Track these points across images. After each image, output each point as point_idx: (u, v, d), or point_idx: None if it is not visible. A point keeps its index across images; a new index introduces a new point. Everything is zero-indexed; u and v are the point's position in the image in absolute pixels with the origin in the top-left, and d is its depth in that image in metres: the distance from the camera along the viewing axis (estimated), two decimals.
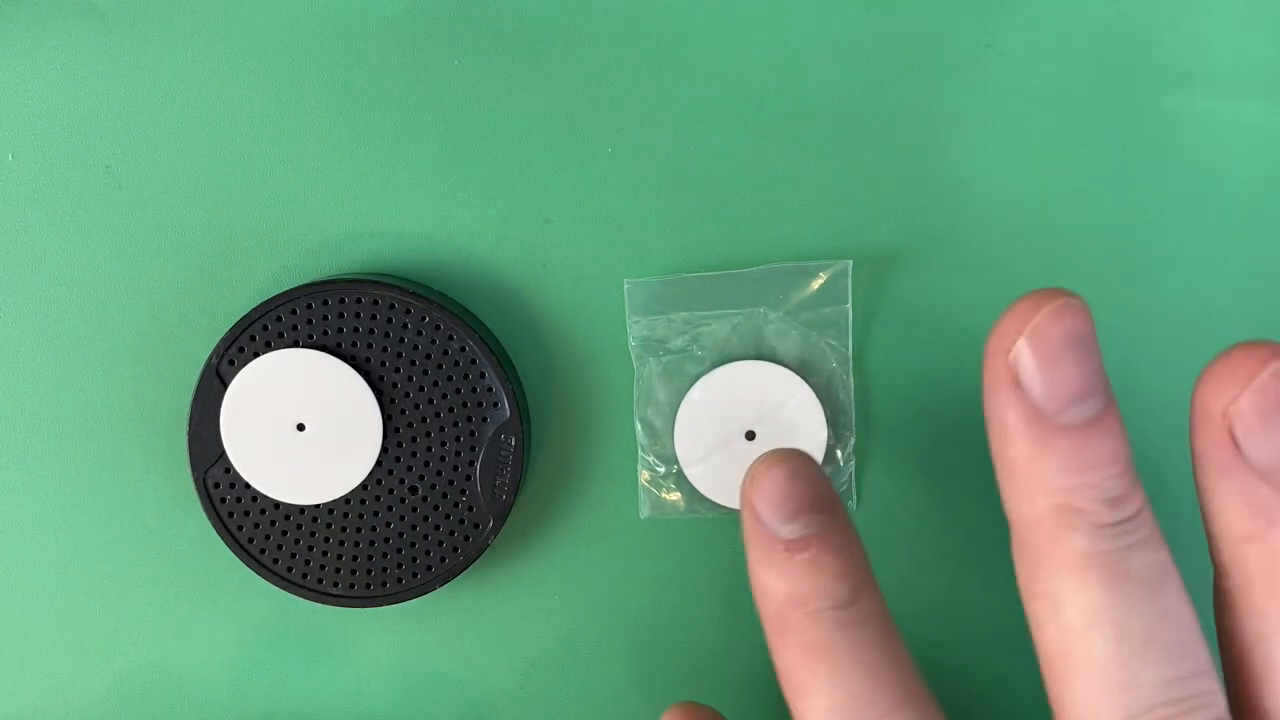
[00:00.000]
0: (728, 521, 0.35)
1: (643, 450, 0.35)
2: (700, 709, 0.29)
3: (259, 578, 0.34)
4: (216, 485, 0.34)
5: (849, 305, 0.34)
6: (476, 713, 0.36)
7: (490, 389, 0.33)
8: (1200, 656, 0.23)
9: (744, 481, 0.26)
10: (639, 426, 0.35)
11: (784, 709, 0.36)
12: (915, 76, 0.34)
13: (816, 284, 0.34)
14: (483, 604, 0.36)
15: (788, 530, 0.25)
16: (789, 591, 0.25)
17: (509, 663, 0.36)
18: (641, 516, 0.35)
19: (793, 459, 0.26)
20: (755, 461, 0.26)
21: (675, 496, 0.35)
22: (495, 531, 0.34)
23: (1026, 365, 0.22)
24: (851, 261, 0.34)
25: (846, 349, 0.35)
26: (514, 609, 0.36)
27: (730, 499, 0.35)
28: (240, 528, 0.34)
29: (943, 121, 0.34)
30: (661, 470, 0.35)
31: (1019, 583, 0.24)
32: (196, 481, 0.33)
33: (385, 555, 0.34)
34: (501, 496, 0.34)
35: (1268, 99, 0.34)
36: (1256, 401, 0.22)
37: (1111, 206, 0.35)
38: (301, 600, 0.35)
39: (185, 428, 0.33)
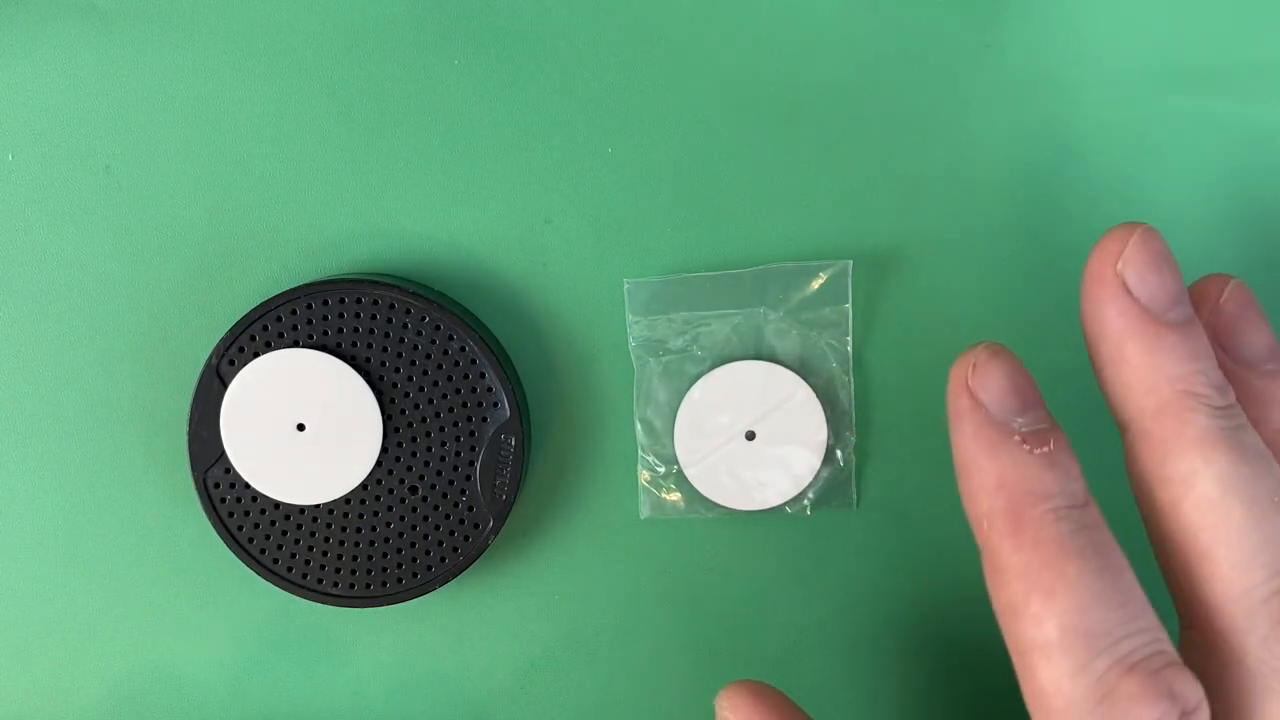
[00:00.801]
0: (728, 521, 0.35)
1: (643, 450, 0.35)
2: (761, 687, 0.28)
3: (259, 578, 0.34)
4: (216, 485, 0.34)
5: (849, 305, 0.34)
6: (476, 713, 0.36)
7: (490, 389, 0.33)
8: None
9: (959, 368, 0.26)
10: (639, 426, 0.35)
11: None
12: (915, 76, 0.34)
13: (816, 284, 0.34)
14: (483, 604, 0.36)
15: (1023, 422, 0.25)
16: (1028, 486, 0.24)
17: (509, 663, 0.36)
18: (641, 516, 0.35)
19: (1009, 354, 0.26)
20: (970, 351, 0.26)
21: (675, 496, 0.35)
22: (495, 531, 0.34)
23: (1135, 272, 0.25)
24: (851, 261, 0.34)
25: (846, 349, 0.35)
26: (514, 609, 0.36)
27: (730, 499, 0.35)
28: (240, 528, 0.34)
29: (943, 121, 0.34)
30: (661, 470, 0.35)
31: (1139, 478, 0.25)
32: (196, 481, 0.33)
33: (385, 555, 0.34)
34: (501, 496, 0.34)
35: (1268, 99, 0.34)
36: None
37: (1111, 207, 0.35)
38: (301, 600, 0.35)
39: (185, 428, 0.33)
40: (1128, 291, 0.25)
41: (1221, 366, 0.26)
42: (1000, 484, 0.24)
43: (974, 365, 0.25)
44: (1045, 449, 0.25)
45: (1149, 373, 0.25)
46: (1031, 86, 0.34)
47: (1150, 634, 0.24)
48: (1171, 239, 0.35)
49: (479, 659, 0.36)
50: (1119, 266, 0.25)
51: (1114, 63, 0.34)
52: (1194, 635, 0.25)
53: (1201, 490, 0.24)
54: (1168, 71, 0.34)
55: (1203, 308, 0.27)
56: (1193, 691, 0.23)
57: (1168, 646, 0.24)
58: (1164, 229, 0.35)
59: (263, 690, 0.36)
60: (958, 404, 0.25)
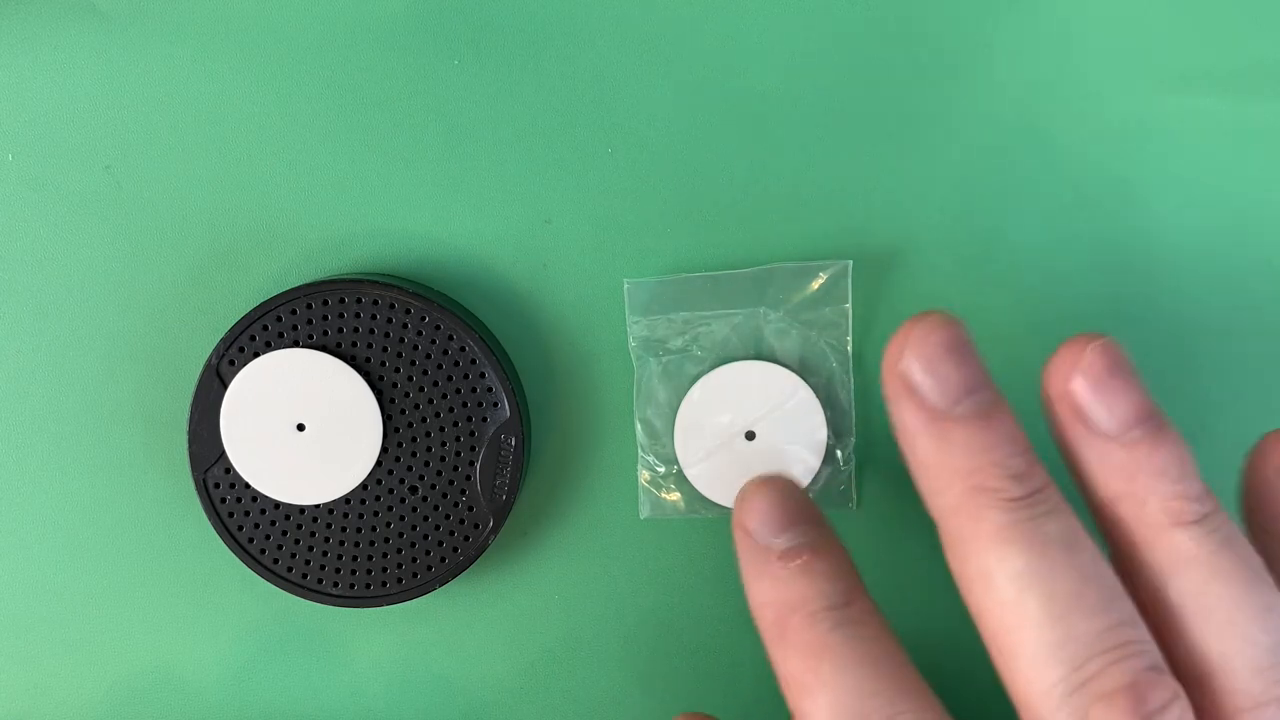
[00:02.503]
0: (728, 521, 0.35)
1: (643, 450, 0.35)
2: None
3: (259, 578, 0.34)
4: (216, 485, 0.34)
5: (849, 305, 0.34)
6: (476, 713, 0.36)
7: (490, 389, 0.33)
8: (1126, 608, 0.24)
9: (735, 506, 0.27)
10: (639, 426, 0.35)
11: (783, 708, 0.36)
12: (915, 76, 0.34)
13: (816, 284, 0.34)
14: (483, 604, 0.36)
15: (780, 542, 0.27)
16: (784, 598, 0.26)
17: (509, 663, 0.36)
18: (641, 516, 0.35)
19: (778, 480, 0.27)
20: (743, 487, 0.28)
21: (675, 496, 0.35)
22: (495, 531, 0.34)
23: (915, 371, 0.25)
24: (851, 261, 0.34)
25: (846, 349, 0.35)
26: (514, 609, 0.36)
27: (730, 499, 0.35)
28: (240, 528, 0.34)
29: (943, 121, 0.34)
30: (661, 470, 0.35)
31: (954, 576, 0.25)
32: (196, 481, 0.33)
33: (385, 555, 0.34)
34: (501, 496, 0.34)
35: (1268, 99, 0.34)
36: (1087, 375, 0.25)
37: (1111, 206, 0.35)
38: (301, 600, 0.35)
39: (185, 428, 0.33)
40: (913, 389, 0.25)
41: (1083, 438, 0.25)
42: (765, 601, 0.26)
43: (741, 499, 0.27)
44: (799, 561, 0.26)
45: (938, 473, 0.25)
46: (1030, 87, 0.34)
47: (911, 715, 0.25)
48: (1171, 240, 0.35)
49: (479, 659, 0.36)
50: (902, 365, 0.25)
51: (1113, 63, 0.34)
52: None
53: (998, 588, 0.24)
54: (1167, 71, 0.34)
55: (1058, 376, 0.26)
56: None
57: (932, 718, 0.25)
58: (1163, 230, 0.35)
59: (263, 690, 0.36)
60: (735, 537, 0.27)
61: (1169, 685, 0.24)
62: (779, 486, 0.27)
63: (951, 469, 0.25)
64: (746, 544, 0.27)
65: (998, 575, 0.24)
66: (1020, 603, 0.24)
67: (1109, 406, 0.25)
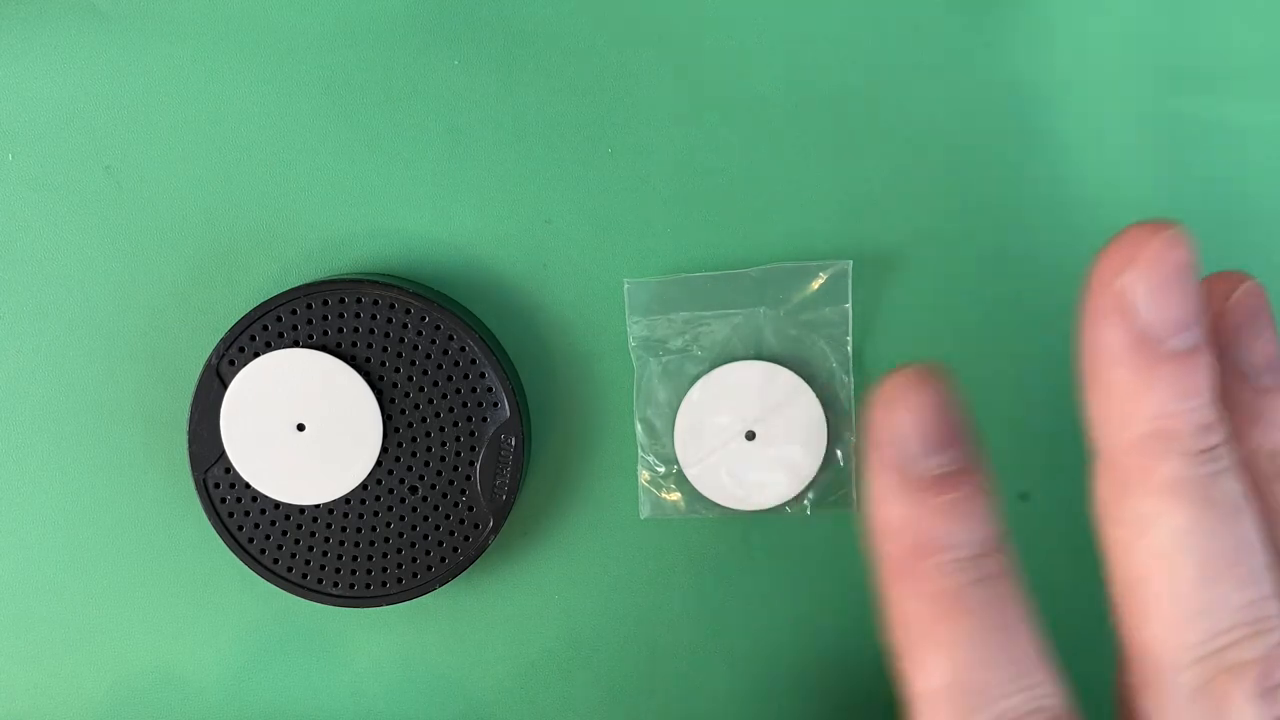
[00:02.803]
0: (728, 521, 0.35)
1: (643, 450, 0.35)
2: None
3: (259, 578, 0.34)
4: (216, 485, 0.34)
5: (849, 305, 0.34)
6: (476, 713, 0.36)
7: (490, 389, 0.33)
8: (1272, 581, 0.23)
9: (879, 404, 0.24)
10: (639, 426, 0.35)
11: (783, 709, 0.36)
12: (915, 76, 0.34)
13: (816, 284, 0.34)
14: (483, 604, 0.36)
15: (930, 464, 0.23)
16: (924, 533, 0.23)
17: (509, 663, 0.36)
18: (641, 516, 0.35)
19: (934, 380, 0.24)
20: (889, 380, 0.24)
21: (675, 496, 0.35)
22: (495, 531, 0.34)
23: (1139, 292, 0.22)
24: (851, 261, 0.34)
25: (846, 349, 0.35)
26: (514, 609, 0.36)
27: (730, 499, 0.35)
28: (240, 528, 0.34)
29: (943, 121, 0.34)
30: (661, 470, 0.35)
31: (1099, 507, 0.24)
32: (196, 481, 0.33)
33: (385, 555, 0.34)
34: (501, 496, 0.34)
35: (1268, 99, 0.34)
36: (1236, 310, 0.24)
37: (1111, 207, 0.35)
38: (301, 600, 0.35)
39: (185, 428, 0.33)
40: (1127, 310, 0.23)
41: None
42: (897, 530, 0.24)
43: (892, 398, 0.24)
44: (951, 495, 0.23)
45: (1130, 404, 0.23)
46: (1031, 86, 0.34)
47: (1034, 691, 0.23)
48: None
49: (479, 659, 0.36)
50: (1123, 280, 0.22)
51: (1114, 63, 0.34)
52: (1128, 674, 0.24)
53: (1156, 538, 0.23)
54: (1168, 72, 0.34)
55: (1207, 308, 0.24)
56: None
57: (1052, 703, 0.23)
58: None
59: (263, 690, 0.36)
60: (872, 437, 0.24)
61: None
62: (938, 392, 0.23)
63: (1141, 404, 0.23)
64: (887, 454, 0.24)
65: (1158, 526, 0.23)
66: (1174, 559, 0.23)
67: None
